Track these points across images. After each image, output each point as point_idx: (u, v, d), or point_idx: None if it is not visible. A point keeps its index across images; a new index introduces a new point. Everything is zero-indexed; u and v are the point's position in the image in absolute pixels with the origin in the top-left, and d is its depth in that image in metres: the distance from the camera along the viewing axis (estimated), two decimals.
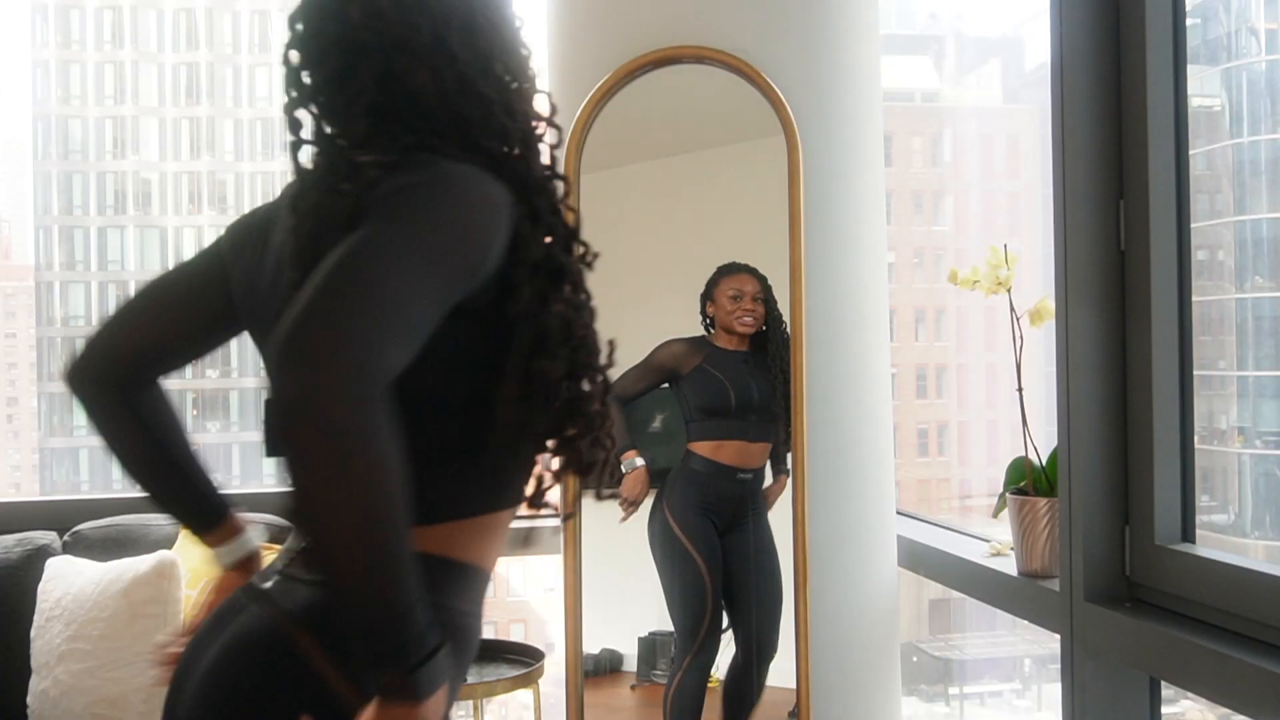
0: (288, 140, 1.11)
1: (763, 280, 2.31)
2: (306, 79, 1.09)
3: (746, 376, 2.34)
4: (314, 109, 1.09)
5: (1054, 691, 1.84)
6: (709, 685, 2.35)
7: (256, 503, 2.61)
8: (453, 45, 1.07)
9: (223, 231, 1.25)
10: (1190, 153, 1.64)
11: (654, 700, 2.36)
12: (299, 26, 1.08)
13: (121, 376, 1.22)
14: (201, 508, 1.29)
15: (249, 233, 1.19)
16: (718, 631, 2.33)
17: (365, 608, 0.89)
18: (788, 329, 2.24)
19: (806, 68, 2.25)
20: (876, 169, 2.35)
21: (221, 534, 1.29)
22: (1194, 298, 1.64)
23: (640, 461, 2.34)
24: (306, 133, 1.10)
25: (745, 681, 2.31)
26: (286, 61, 1.08)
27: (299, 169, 1.10)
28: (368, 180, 1.01)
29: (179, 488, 1.27)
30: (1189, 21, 1.65)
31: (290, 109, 1.09)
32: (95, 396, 1.21)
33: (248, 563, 1.30)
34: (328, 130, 1.08)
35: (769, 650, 2.30)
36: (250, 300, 1.16)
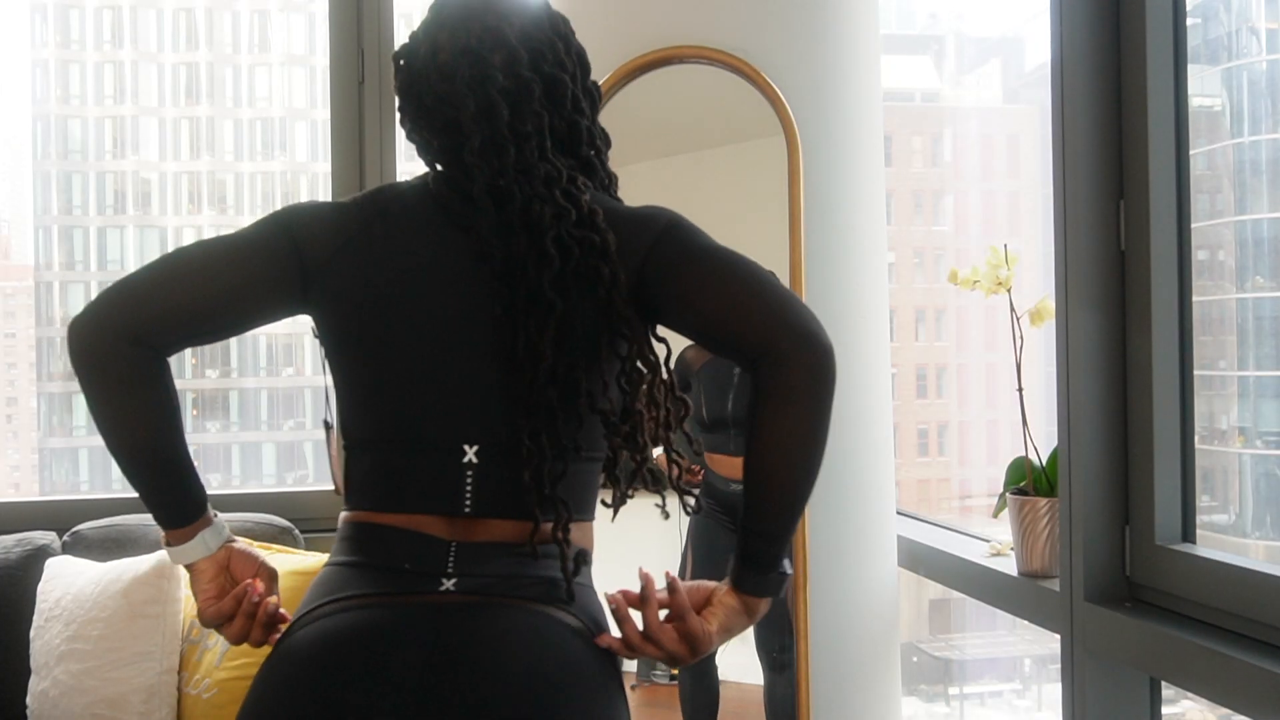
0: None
1: None
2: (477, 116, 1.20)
3: (729, 388, 2.29)
4: (495, 146, 1.20)
5: (1054, 691, 1.84)
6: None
7: (257, 503, 2.62)
8: (583, 101, 1.28)
9: (267, 218, 1.23)
10: (1191, 152, 1.64)
11: (654, 700, 2.37)
12: (461, 67, 1.21)
13: (158, 331, 1.17)
14: (192, 493, 1.23)
15: (342, 235, 1.21)
16: None
17: (795, 519, 1.16)
18: None
19: (806, 68, 2.25)
20: (876, 169, 2.34)
21: (197, 527, 1.23)
22: (1194, 298, 1.64)
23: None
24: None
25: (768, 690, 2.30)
26: (423, 95, 1.23)
27: (488, 183, 1.20)
28: (601, 220, 1.19)
29: (180, 467, 1.21)
30: (1189, 21, 1.65)
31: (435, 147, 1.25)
32: (120, 354, 1.14)
33: (230, 556, 1.24)
34: (518, 166, 1.20)
35: (769, 664, 2.28)
36: (375, 298, 1.19)
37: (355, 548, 1.22)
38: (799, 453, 1.12)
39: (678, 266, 1.18)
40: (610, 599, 1.17)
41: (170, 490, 1.21)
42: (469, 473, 1.18)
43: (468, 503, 1.18)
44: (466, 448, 1.18)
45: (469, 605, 1.13)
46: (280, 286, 1.20)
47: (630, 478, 1.26)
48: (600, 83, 2.28)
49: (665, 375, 1.24)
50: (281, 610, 1.24)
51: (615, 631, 1.20)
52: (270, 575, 1.26)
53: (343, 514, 1.27)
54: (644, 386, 1.22)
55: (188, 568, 1.23)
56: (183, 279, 1.19)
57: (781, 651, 2.27)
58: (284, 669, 1.17)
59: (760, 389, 1.12)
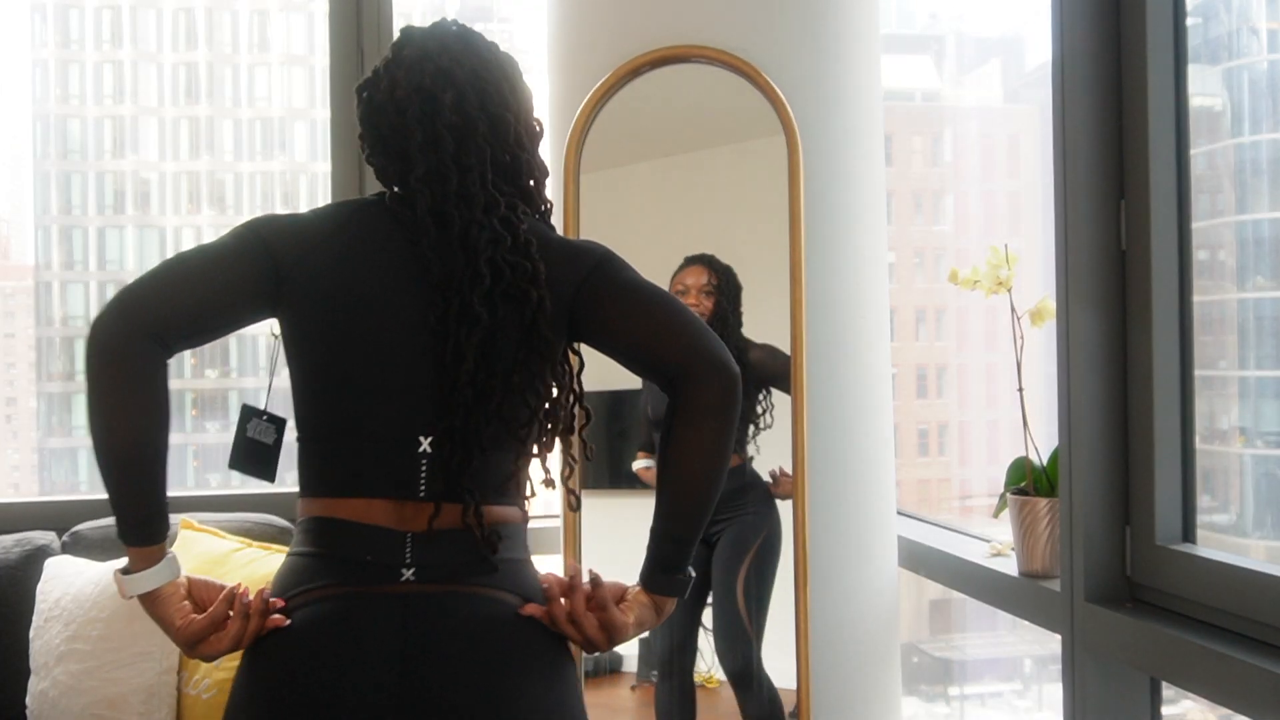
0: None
1: (720, 271, 2.27)
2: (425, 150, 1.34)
3: None
4: (438, 175, 1.33)
5: (1054, 692, 1.84)
6: (709, 685, 2.34)
7: (258, 503, 2.62)
8: (524, 138, 1.41)
9: (240, 227, 1.33)
10: (1191, 152, 1.64)
11: (651, 700, 2.36)
12: (410, 105, 1.35)
13: (172, 330, 1.25)
14: (166, 509, 1.28)
15: (309, 242, 1.32)
16: (665, 635, 2.29)
17: (702, 524, 1.30)
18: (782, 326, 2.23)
19: (806, 68, 2.25)
20: (876, 169, 2.34)
21: (164, 548, 1.29)
22: (1195, 298, 1.64)
23: (639, 464, 2.34)
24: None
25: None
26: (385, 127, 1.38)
27: (422, 210, 1.33)
28: (535, 249, 1.33)
29: (164, 478, 1.26)
30: (1190, 21, 1.65)
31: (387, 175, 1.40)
32: (139, 356, 1.22)
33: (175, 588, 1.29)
34: (466, 195, 1.33)
35: (734, 681, 2.26)
36: (338, 300, 1.30)
37: (315, 539, 1.31)
38: (708, 462, 1.28)
39: (607, 298, 1.35)
40: (543, 579, 1.32)
41: (156, 502, 1.26)
42: (423, 461, 1.30)
43: (422, 488, 1.29)
44: (422, 439, 1.30)
45: (429, 595, 1.26)
46: (260, 289, 1.30)
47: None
48: (600, 83, 2.30)
49: (575, 388, 1.39)
50: (272, 599, 1.30)
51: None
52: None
53: (300, 503, 1.36)
54: (552, 398, 1.36)
55: (148, 597, 1.28)
56: (187, 282, 1.28)
57: (746, 666, 2.25)
58: (266, 662, 1.26)
59: (677, 407, 1.29)
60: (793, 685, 2.20)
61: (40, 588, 2.29)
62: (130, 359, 1.21)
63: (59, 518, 2.56)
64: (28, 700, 2.22)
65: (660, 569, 1.33)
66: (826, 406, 2.23)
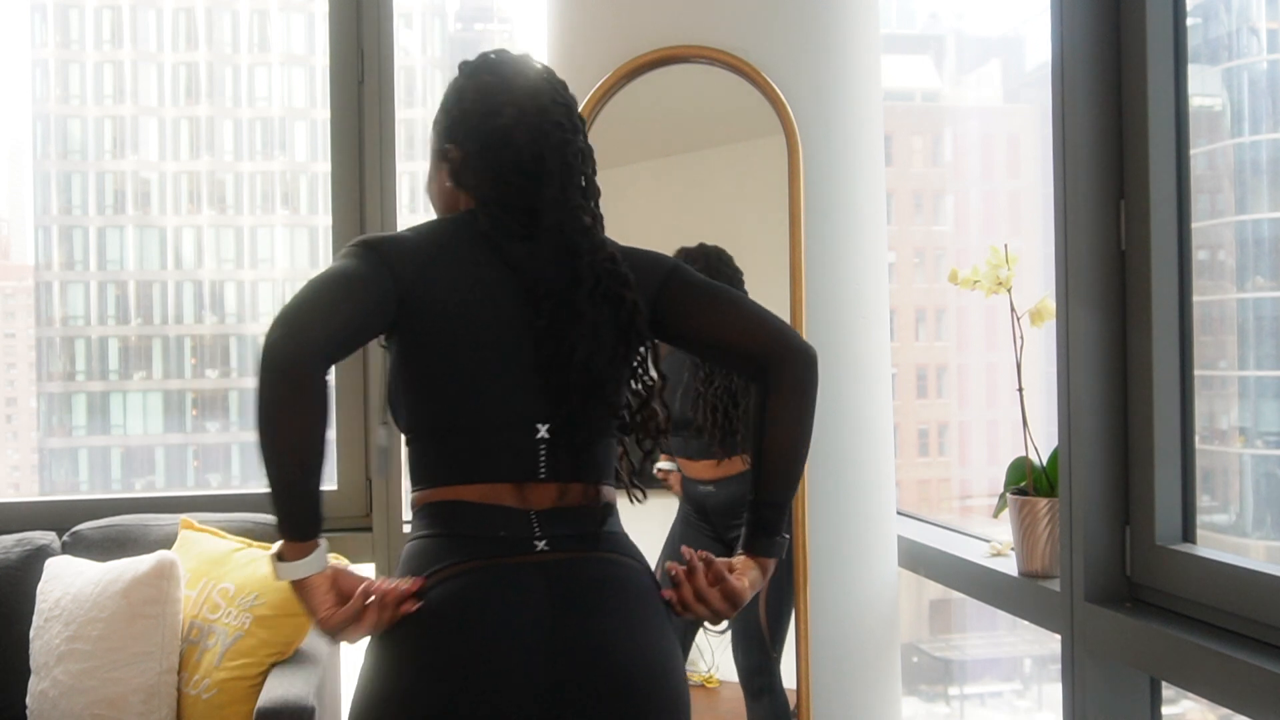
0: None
1: (713, 261, 2.27)
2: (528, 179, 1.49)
3: (678, 385, 2.24)
4: (547, 196, 1.49)
5: (1054, 692, 1.84)
6: (708, 685, 2.34)
7: (257, 503, 2.62)
8: (593, 162, 1.58)
9: (360, 249, 1.42)
10: (1191, 152, 1.64)
11: None
12: (527, 141, 1.49)
13: (335, 350, 1.34)
14: (321, 507, 1.36)
15: (421, 261, 1.43)
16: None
17: (795, 488, 1.49)
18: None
19: (806, 68, 2.25)
20: (876, 169, 2.34)
21: (318, 542, 1.35)
22: (1195, 298, 1.64)
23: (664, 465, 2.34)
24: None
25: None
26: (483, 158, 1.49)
27: (514, 231, 1.47)
28: (622, 260, 1.50)
29: (320, 480, 1.34)
30: (1190, 21, 1.65)
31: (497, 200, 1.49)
32: (314, 375, 1.30)
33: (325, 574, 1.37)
34: (570, 217, 1.50)
35: (748, 689, 2.26)
36: (450, 312, 1.43)
37: (441, 522, 1.42)
38: (800, 433, 1.48)
39: (690, 301, 1.52)
40: (670, 567, 1.46)
41: (315, 504, 1.35)
42: (542, 446, 1.43)
43: (542, 470, 1.42)
44: (540, 426, 1.43)
45: (564, 561, 1.40)
46: (389, 306, 1.41)
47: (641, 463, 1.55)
48: (600, 83, 2.30)
49: (664, 382, 1.53)
50: (407, 582, 1.37)
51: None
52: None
53: (415, 494, 1.47)
54: (649, 388, 1.51)
55: (297, 584, 1.36)
56: (340, 304, 1.37)
57: (759, 674, 2.25)
58: (414, 638, 1.34)
59: (770, 389, 1.47)
60: (793, 685, 2.21)
61: (40, 588, 2.29)
62: (306, 379, 1.30)
63: (59, 518, 2.56)
64: (28, 700, 2.22)
65: (763, 533, 1.48)
66: (826, 406, 2.22)
